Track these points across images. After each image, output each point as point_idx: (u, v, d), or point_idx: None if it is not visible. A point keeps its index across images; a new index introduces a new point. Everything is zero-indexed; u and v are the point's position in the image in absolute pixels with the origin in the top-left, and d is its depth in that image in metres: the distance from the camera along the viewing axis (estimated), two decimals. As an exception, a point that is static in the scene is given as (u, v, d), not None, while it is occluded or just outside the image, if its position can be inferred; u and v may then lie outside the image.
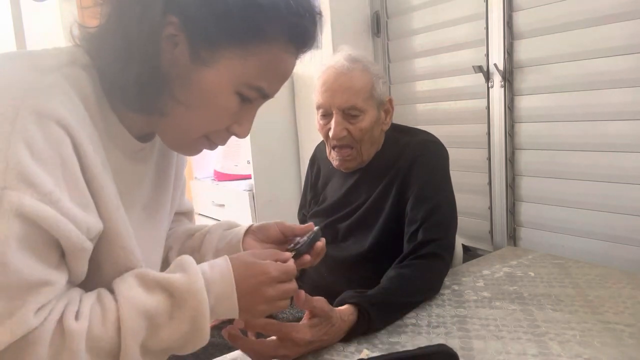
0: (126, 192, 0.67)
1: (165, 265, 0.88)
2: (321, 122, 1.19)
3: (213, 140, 0.68)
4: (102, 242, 0.61)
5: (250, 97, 0.64)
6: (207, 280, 0.62)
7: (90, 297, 0.59)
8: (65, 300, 0.56)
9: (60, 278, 0.56)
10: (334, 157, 1.21)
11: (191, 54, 0.60)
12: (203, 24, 0.59)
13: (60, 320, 0.54)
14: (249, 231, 0.84)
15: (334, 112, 1.15)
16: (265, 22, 0.60)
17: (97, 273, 0.62)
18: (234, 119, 0.66)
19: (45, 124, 0.52)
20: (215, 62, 0.61)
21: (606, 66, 1.30)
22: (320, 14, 0.66)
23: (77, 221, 0.54)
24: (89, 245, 0.57)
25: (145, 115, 0.64)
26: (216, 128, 0.65)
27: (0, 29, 2.20)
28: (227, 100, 0.63)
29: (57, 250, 0.55)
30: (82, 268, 0.58)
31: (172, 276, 0.61)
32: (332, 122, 1.15)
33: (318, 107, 1.19)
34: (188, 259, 0.64)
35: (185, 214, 0.95)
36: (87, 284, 0.62)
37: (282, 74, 0.66)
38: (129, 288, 0.59)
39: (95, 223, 0.58)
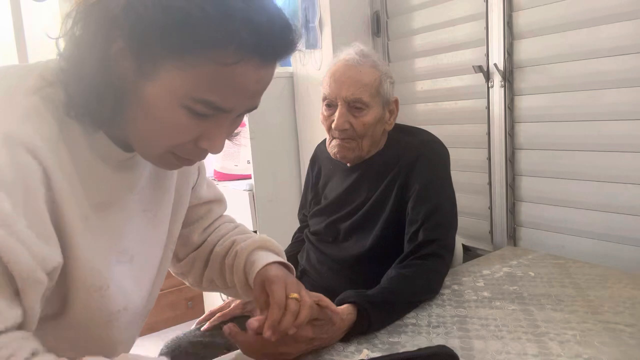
0: (116, 200, 0.68)
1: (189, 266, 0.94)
2: (325, 113, 1.19)
3: (180, 155, 0.64)
4: (69, 266, 0.60)
5: (202, 112, 0.59)
6: None
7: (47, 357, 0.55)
8: (14, 346, 0.52)
9: (10, 312, 0.52)
10: (333, 145, 1.20)
11: (135, 67, 0.57)
12: (142, 35, 0.55)
13: None
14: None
15: (339, 103, 1.15)
16: (196, 32, 0.54)
17: (66, 300, 0.62)
18: (195, 134, 0.61)
19: (14, 149, 0.52)
20: (156, 75, 0.57)
21: (606, 66, 1.30)
22: (285, 19, 0.59)
23: (31, 248, 0.52)
24: (44, 277, 0.55)
25: (107, 129, 0.63)
26: (175, 143, 0.62)
27: (0, 29, 2.20)
28: (173, 114, 0.59)
29: (10, 283, 0.53)
30: (34, 304, 0.55)
31: None
32: (336, 114, 1.15)
33: (324, 99, 1.18)
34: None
35: (214, 202, 0.95)
36: (58, 316, 0.62)
37: (239, 87, 0.59)
38: None
39: (53, 254, 0.56)
